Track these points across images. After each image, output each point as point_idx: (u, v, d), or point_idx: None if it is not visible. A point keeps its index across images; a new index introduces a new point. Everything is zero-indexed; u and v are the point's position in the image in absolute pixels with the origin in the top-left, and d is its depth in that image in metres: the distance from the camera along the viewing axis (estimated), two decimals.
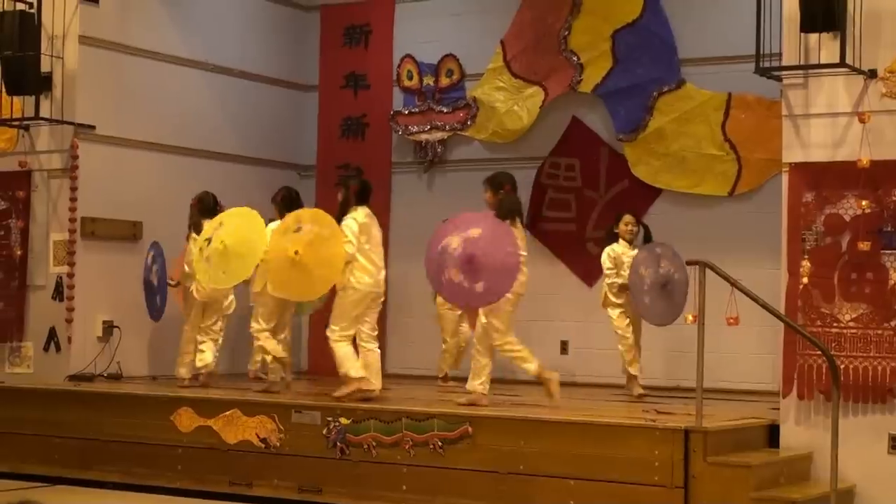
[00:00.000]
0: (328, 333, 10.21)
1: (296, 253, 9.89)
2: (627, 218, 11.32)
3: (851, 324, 8.86)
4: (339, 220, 10.16)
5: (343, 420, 9.48)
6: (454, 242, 9.53)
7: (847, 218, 8.91)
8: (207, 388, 11.05)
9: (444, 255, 9.53)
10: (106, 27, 12.12)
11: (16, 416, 11.00)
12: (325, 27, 14.39)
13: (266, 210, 11.71)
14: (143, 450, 10.29)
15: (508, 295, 9.63)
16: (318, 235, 10.02)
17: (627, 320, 11.19)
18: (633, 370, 11.19)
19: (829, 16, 8.74)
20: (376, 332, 10.39)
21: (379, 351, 10.42)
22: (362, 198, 10.41)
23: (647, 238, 11.24)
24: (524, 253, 9.80)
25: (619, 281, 11.12)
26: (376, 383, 10.23)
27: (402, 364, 13.19)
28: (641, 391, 11.08)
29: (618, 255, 11.21)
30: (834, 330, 8.90)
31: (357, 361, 10.13)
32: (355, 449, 9.40)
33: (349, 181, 10.56)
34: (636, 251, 11.07)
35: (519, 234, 9.81)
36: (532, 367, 9.83)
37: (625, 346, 11.17)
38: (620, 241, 11.27)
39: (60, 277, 11.77)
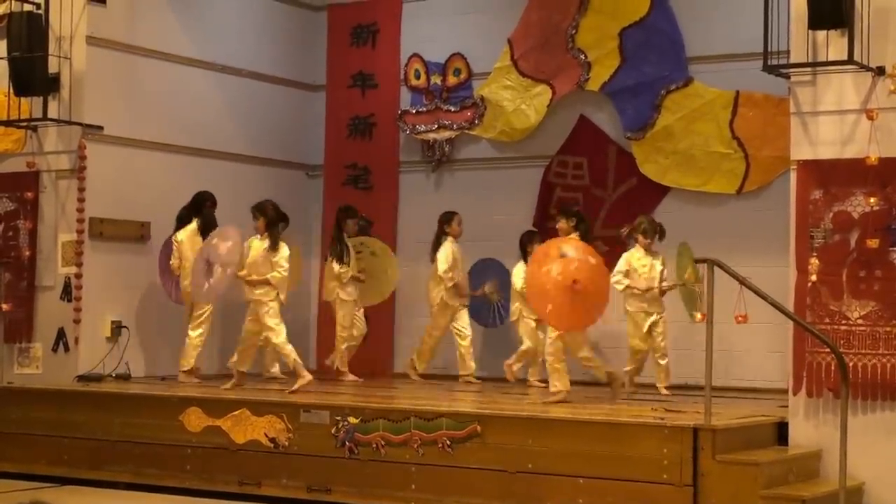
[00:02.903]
0: None
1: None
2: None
3: (860, 321, 8.84)
4: None
5: (352, 419, 9.47)
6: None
7: (855, 215, 8.89)
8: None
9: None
10: (113, 28, 12.13)
11: (25, 416, 11.01)
12: (333, 27, 14.40)
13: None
14: (152, 450, 10.29)
15: None
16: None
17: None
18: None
19: (836, 13, 8.73)
20: None
21: None
22: None
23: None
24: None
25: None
26: None
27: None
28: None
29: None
30: (843, 327, 8.88)
31: None
32: (364, 448, 9.39)
33: None
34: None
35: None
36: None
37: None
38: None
39: (69, 278, 11.78)
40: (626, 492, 8.42)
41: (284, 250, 11.03)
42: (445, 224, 12.33)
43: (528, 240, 12.10)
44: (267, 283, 10.92)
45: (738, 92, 12.00)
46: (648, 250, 11.23)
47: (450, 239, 12.29)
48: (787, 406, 9.13)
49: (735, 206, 12.05)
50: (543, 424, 8.87)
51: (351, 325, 12.38)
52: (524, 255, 11.96)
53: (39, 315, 11.91)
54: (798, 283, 9.03)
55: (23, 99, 11.75)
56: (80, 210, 11.77)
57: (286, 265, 10.99)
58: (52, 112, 11.69)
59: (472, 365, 12.39)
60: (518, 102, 13.11)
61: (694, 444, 8.28)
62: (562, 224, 10.63)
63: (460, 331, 12.39)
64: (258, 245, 11.07)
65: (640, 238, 11.26)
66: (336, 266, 12.19)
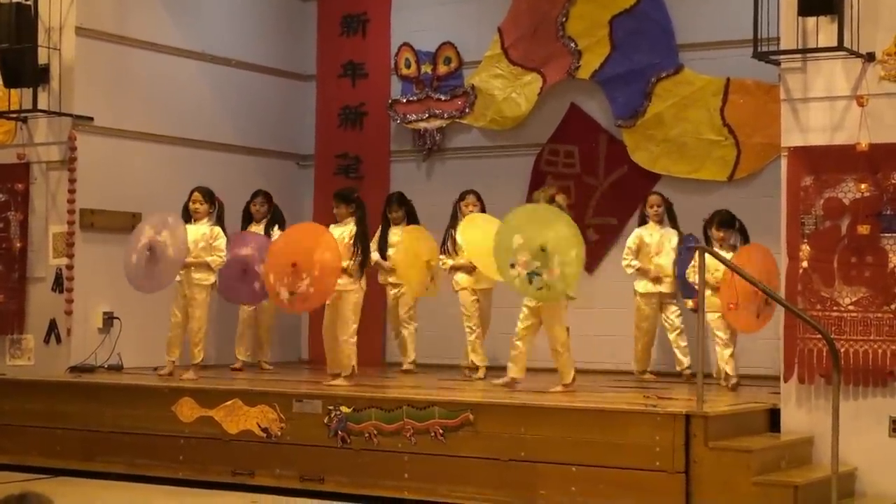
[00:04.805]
0: None
1: None
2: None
3: (851, 307, 8.86)
4: None
5: (344, 409, 9.48)
6: None
7: (846, 201, 8.90)
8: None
9: None
10: (103, 18, 12.10)
11: (17, 408, 11.01)
12: (323, 16, 14.37)
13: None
14: (144, 440, 10.29)
15: None
16: None
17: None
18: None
19: None
20: None
21: None
22: None
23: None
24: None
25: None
26: None
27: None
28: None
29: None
30: (834, 314, 8.89)
31: None
32: (356, 437, 9.40)
33: None
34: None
35: None
36: None
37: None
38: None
39: (60, 269, 11.77)
40: (619, 479, 8.44)
41: (224, 238, 11.37)
42: (643, 206, 11.63)
43: (708, 224, 10.81)
44: (207, 266, 11.19)
45: (728, 79, 12.00)
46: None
47: (650, 223, 11.45)
48: (779, 393, 9.15)
49: (726, 193, 12.04)
50: (536, 412, 8.88)
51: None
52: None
53: (31, 306, 11.90)
54: (789, 269, 9.04)
55: (12, 90, 11.73)
56: (71, 201, 11.75)
57: (225, 250, 11.30)
58: (42, 103, 11.65)
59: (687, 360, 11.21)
60: (508, 91, 13.10)
61: (686, 431, 8.30)
62: (341, 210, 10.70)
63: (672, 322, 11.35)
64: (195, 229, 11.26)
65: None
66: (445, 258, 11.57)
